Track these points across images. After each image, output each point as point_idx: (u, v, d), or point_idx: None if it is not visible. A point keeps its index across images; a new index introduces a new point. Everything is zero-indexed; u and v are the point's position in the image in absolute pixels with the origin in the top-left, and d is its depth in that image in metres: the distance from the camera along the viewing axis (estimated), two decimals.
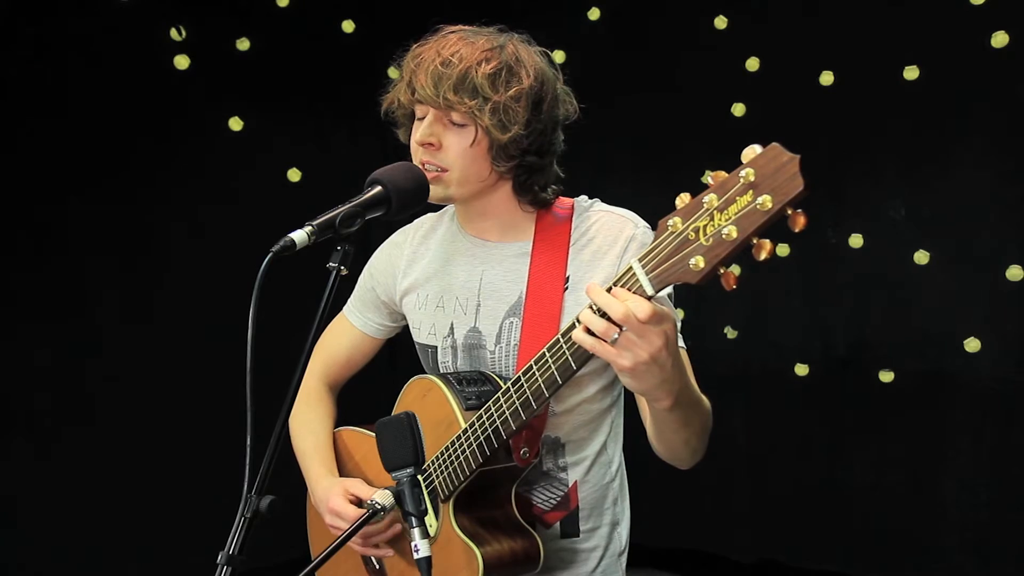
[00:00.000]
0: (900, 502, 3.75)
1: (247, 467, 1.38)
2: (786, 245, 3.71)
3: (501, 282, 1.83)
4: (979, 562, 3.64)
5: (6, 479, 3.55)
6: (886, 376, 3.75)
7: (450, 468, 1.74)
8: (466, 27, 1.77)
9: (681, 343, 1.74)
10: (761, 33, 3.87)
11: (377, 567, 1.98)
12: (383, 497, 1.60)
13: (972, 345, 3.56)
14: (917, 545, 3.74)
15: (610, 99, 3.52)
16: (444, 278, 1.90)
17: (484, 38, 1.73)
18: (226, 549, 1.39)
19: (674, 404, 1.46)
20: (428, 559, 1.55)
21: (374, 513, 1.58)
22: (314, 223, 1.48)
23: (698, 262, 1.25)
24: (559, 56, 3.68)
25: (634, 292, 1.34)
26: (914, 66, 3.58)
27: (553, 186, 1.83)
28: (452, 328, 1.87)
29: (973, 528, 3.64)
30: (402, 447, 1.61)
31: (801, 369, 3.91)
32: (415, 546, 1.55)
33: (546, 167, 1.80)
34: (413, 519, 1.57)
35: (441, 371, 1.89)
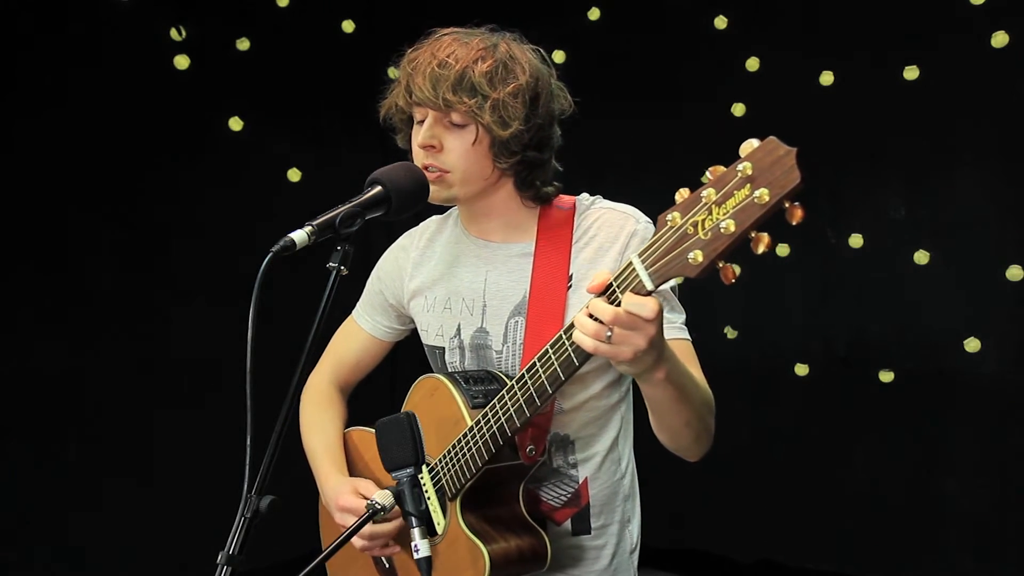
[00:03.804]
0: (900, 502, 3.75)
1: (247, 467, 1.38)
2: (786, 245, 3.70)
3: (505, 282, 1.84)
4: (979, 562, 3.64)
5: (6, 479, 3.55)
6: (886, 376, 3.75)
7: (457, 466, 1.74)
8: (458, 29, 1.78)
9: (686, 335, 1.76)
10: (761, 33, 3.87)
11: (387, 566, 1.99)
12: (383, 497, 1.60)
13: (972, 345, 3.56)
14: (917, 545, 3.74)
15: (610, 99, 3.51)
16: (450, 280, 1.90)
17: (477, 38, 1.75)
18: (226, 549, 1.40)
19: (667, 374, 1.47)
20: (428, 559, 1.55)
21: (374, 513, 1.58)
22: (314, 223, 1.48)
23: (696, 256, 1.26)
24: (559, 56, 3.69)
25: (634, 287, 1.35)
26: (914, 66, 3.58)
27: (554, 183, 1.84)
28: (459, 329, 1.88)
29: (973, 528, 3.64)
30: (402, 447, 1.61)
31: (801, 369, 3.91)
32: (415, 546, 1.56)
33: (546, 162, 1.81)
34: (413, 519, 1.57)
35: (449, 371, 1.90)
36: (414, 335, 2.04)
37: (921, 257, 3.64)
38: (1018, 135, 3.47)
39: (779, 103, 3.78)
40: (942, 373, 3.66)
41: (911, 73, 3.59)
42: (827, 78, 3.74)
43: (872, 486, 3.79)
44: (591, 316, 1.39)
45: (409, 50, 1.78)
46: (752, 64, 3.87)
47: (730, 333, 3.98)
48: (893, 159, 3.71)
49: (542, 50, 1.81)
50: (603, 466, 1.85)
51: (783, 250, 3.70)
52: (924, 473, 3.71)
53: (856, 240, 3.74)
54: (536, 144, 1.76)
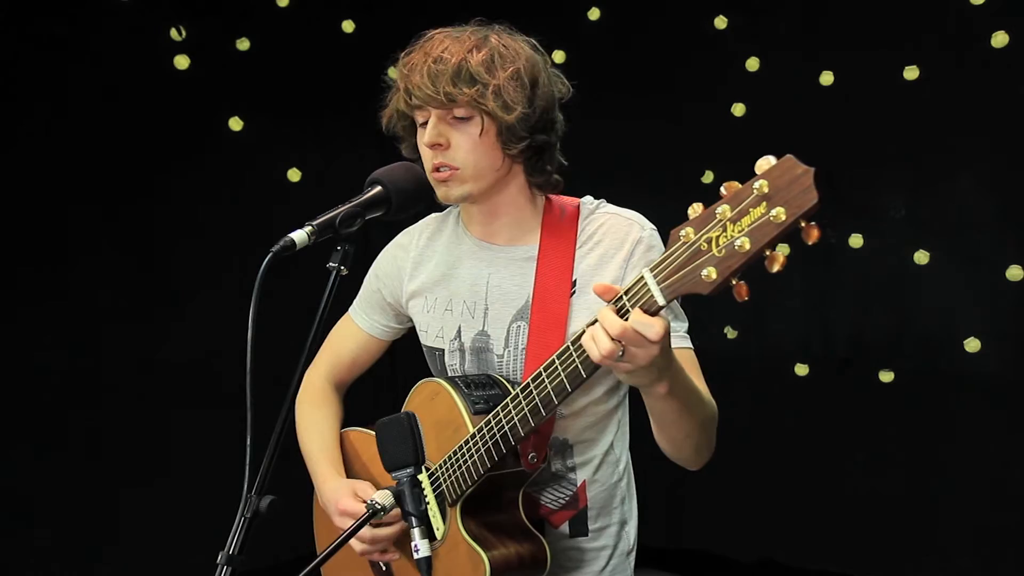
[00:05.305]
0: (900, 502, 3.74)
1: (247, 467, 1.38)
2: (786, 245, 3.69)
3: (508, 285, 1.84)
4: (979, 562, 3.64)
5: (6, 479, 3.55)
6: (886, 376, 3.75)
7: (458, 472, 1.74)
8: (447, 28, 1.78)
9: (688, 344, 1.76)
10: (761, 33, 3.87)
11: (383, 568, 1.98)
12: (383, 497, 1.60)
13: (972, 345, 3.56)
14: (917, 545, 3.74)
15: (610, 99, 3.51)
16: (451, 282, 1.90)
17: (468, 32, 1.76)
18: (226, 549, 1.40)
19: (670, 388, 1.47)
20: (428, 559, 1.55)
21: (374, 513, 1.58)
22: (314, 223, 1.49)
23: (710, 273, 1.25)
24: (559, 56, 3.69)
25: (645, 301, 1.34)
26: (914, 66, 3.58)
27: (557, 175, 1.84)
28: (459, 331, 1.87)
29: (973, 528, 3.64)
30: (402, 447, 1.61)
31: (801, 369, 3.91)
32: (415, 546, 1.55)
33: (553, 145, 1.81)
34: (413, 519, 1.57)
35: (448, 374, 1.89)
36: (414, 335, 2.04)
37: (921, 257, 3.64)
38: (1018, 135, 3.47)
39: (779, 103, 3.78)
40: (942, 373, 3.66)
41: (911, 73, 3.59)
42: (827, 78, 3.74)
43: (872, 486, 3.79)
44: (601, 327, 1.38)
45: (402, 54, 1.78)
46: (752, 64, 3.87)
47: (730, 333, 3.98)
48: (893, 159, 3.70)
49: (533, 40, 1.81)
50: (600, 469, 1.86)
51: (783, 250, 3.69)
52: (924, 473, 3.71)
53: (856, 240, 3.74)
54: (543, 127, 1.76)
